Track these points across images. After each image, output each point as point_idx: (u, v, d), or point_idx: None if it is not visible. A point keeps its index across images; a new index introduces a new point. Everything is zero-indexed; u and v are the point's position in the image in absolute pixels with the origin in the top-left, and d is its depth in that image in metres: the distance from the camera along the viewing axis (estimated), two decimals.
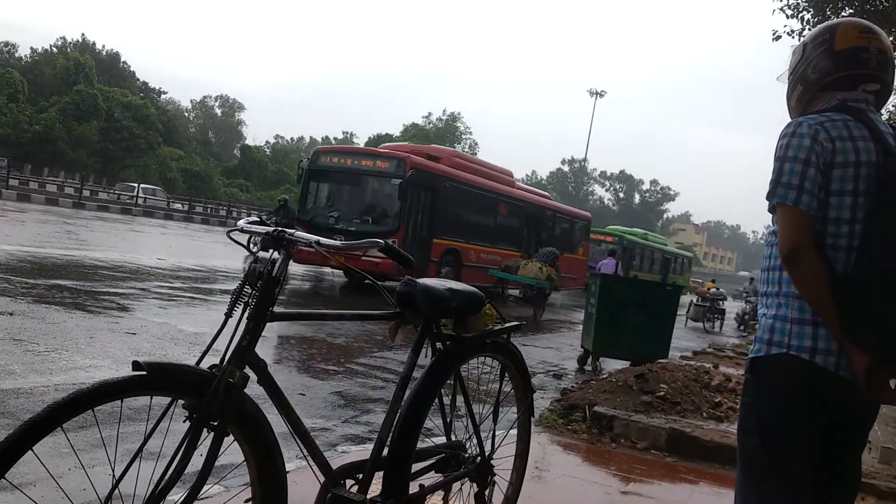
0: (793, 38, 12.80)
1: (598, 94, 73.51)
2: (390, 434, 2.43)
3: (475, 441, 2.83)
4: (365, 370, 7.20)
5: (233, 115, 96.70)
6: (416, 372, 2.53)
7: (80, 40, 71.42)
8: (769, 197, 2.02)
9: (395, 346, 8.50)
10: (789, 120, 2.12)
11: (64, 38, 72.11)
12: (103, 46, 72.68)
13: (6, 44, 69.50)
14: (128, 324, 7.56)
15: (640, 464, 5.03)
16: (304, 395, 5.81)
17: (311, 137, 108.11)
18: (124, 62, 73.80)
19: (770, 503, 2.00)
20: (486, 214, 20.00)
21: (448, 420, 2.72)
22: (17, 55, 69.05)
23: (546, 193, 27.18)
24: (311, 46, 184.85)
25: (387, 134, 78.55)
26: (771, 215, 2.06)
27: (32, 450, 1.63)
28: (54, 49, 70.26)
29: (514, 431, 3.14)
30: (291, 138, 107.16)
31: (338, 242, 2.07)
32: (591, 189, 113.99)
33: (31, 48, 71.09)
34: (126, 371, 1.82)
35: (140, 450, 1.80)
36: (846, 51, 2.08)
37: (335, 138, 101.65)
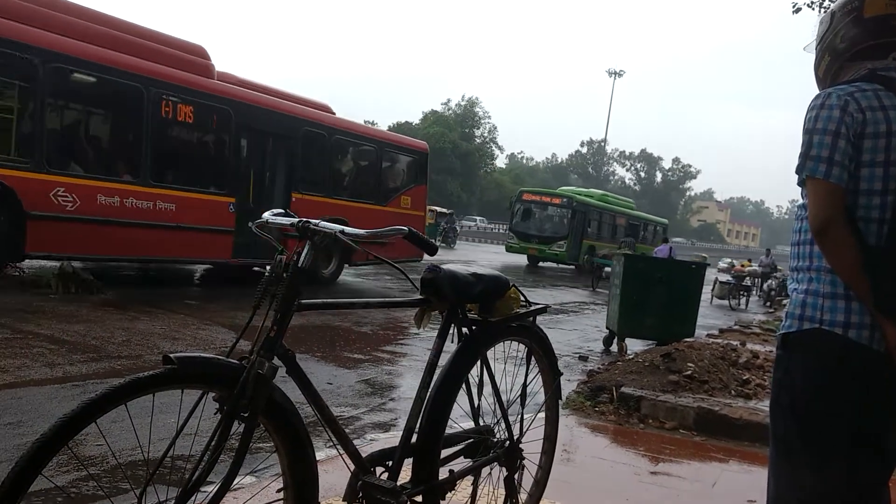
0: (813, 9, 12.58)
1: (617, 74, 73.03)
2: (418, 421, 2.44)
3: (503, 425, 2.83)
4: (391, 357, 7.23)
5: None
6: (442, 358, 2.53)
7: None
8: (798, 170, 1.98)
9: (420, 333, 8.53)
10: (817, 92, 2.08)
11: None
12: None
13: None
14: (156, 322, 7.65)
15: (669, 444, 5.01)
16: (331, 384, 5.84)
17: None
18: None
19: (804, 480, 1.98)
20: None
21: (475, 405, 2.72)
22: None
23: (325, 105, 14.47)
24: (327, 39, 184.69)
25: (406, 122, 78.36)
26: (800, 189, 2.03)
27: (68, 445, 1.66)
28: None
29: (541, 414, 3.13)
30: None
31: (361, 231, 2.07)
32: (611, 169, 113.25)
33: None
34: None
35: (172, 443, 1.82)
36: (875, 18, 2.03)
37: None
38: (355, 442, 2.35)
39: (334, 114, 14.42)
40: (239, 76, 12.37)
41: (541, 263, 29.86)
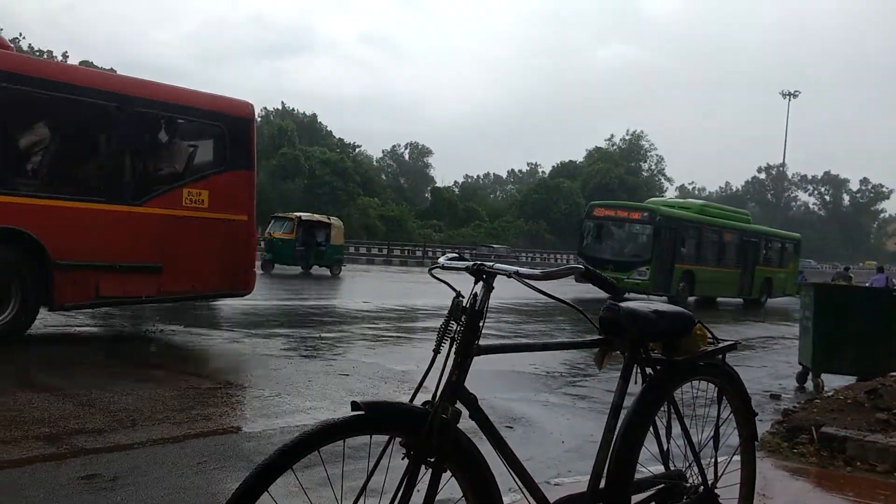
0: None
1: (791, 95, 69.25)
2: (605, 465, 2.36)
3: (696, 469, 2.68)
4: (569, 400, 7.10)
5: (421, 159, 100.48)
6: (626, 400, 2.45)
7: (280, 108, 77.55)
8: None
9: (597, 374, 8.34)
10: None
11: (266, 107, 78.45)
12: (299, 110, 78.33)
13: None
14: (340, 365, 7.97)
15: (884, 488, 4.56)
16: (511, 427, 5.81)
17: (494, 174, 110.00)
18: (320, 122, 79.18)
19: None
20: None
21: (665, 448, 2.60)
22: None
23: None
24: (486, 80, 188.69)
25: (570, 160, 78.16)
26: None
27: (268, 491, 1.73)
28: (259, 118, 76.73)
29: (736, 458, 2.95)
30: (478, 175, 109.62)
31: (537, 271, 2.06)
32: (793, 195, 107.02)
33: None
34: (345, 411, 1.89)
35: (364, 488, 1.87)
36: None
37: (520, 171, 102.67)
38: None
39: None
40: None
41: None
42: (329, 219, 27.24)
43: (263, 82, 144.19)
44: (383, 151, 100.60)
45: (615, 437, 2.39)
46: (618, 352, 2.53)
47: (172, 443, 4.70)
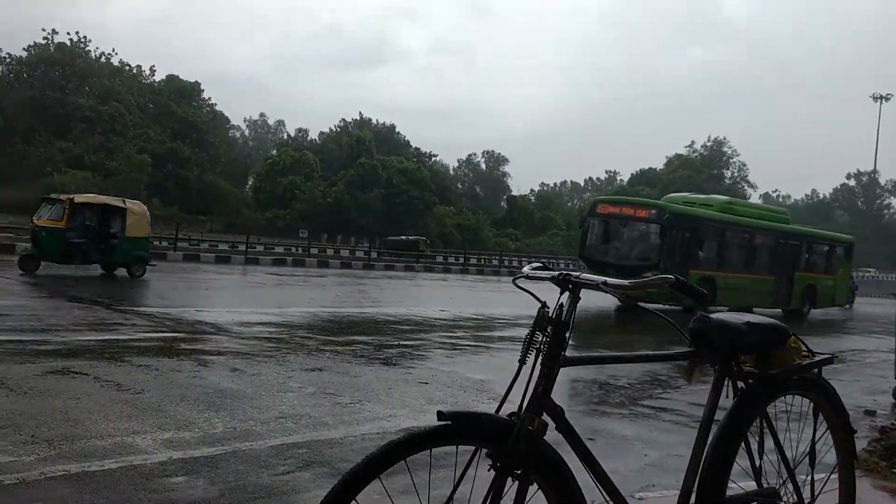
0: None
1: (883, 98, 66.47)
2: (696, 481, 2.30)
3: (790, 487, 2.58)
4: (651, 412, 6.95)
5: (497, 167, 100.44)
6: (717, 414, 2.38)
7: (359, 118, 78.78)
8: None
9: (681, 387, 8.15)
10: None
11: (344, 119, 79.83)
12: (378, 121, 79.42)
13: (300, 130, 78.82)
14: (419, 373, 8.00)
15: None
16: (592, 439, 5.72)
17: (572, 181, 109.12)
18: (398, 132, 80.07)
19: None
20: None
21: (758, 464, 2.51)
22: (308, 138, 77.91)
23: None
24: (562, 86, 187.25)
25: (650, 167, 76.94)
26: None
27: (356, 500, 1.75)
28: (338, 128, 78.11)
29: (833, 476, 2.82)
30: (555, 183, 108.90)
31: (625, 281, 2.02)
32: (885, 202, 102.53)
33: (319, 131, 79.77)
34: (425, 419, 1.90)
35: (450, 498, 1.86)
36: None
37: (598, 178, 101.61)
38: None
39: None
40: None
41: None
42: (125, 202, 19.17)
43: (342, 93, 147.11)
44: (459, 160, 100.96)
45: (706, 451, 2.32)
46: (708, 365, 2.45)
47: (256, 446, 4.80)
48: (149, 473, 4.12)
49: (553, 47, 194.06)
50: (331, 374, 7.55)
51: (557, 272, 2.10)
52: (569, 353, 2.05)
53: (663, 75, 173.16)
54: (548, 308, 2.02)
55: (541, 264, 2.26)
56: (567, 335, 2.00)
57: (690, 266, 19.89)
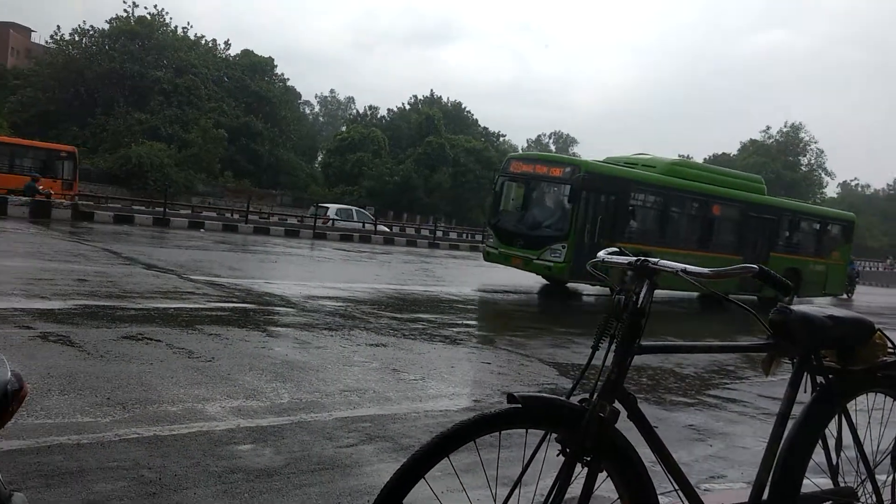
0: None
1: None
2: (769, 476, 2.24)
3: (869, 488, 2.49)
4: (718, 403, 6.82)
5: (566, 149, 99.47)
6: (795, 408, 2.31)
7: (429, 95, 78.83)
8: None
9: (749, 378, 7.98)
10: None
11: (415, 95, 80.00)
12: (447, 98, 79.33)
13: (370, 107, 79.42)
14: (483, 354, 8.01)
15: None
16: (656, 427, 5.63)
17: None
18: (467, 111, 79.83)
19: None
20: None
21: (835, 462, 2.43)
22: (378, 115, 78.44)
23: None
24: (634, 67, 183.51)
25: (724, 153, 75.10)
26: None
27: (425, 478, 1.75)
28: (408, 106, 78.37)
29: None
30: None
31: (705, 269, 1.96)
32: None
33: (388, 108, 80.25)
34: (489, 401, 1.89)
35: (518, 480, 1.86)
36: None
37: None
38: None
39: None
40: None
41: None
42: None
43: (413, 71, 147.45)
44: (527, 140, 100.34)
45: (781, 447, 2.26)
46: (786, 358, 2.38)
47: (321, 418, 4.88)
48: (217, 440, 4.23)
49: (626, 27, 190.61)
50: (395, 349, 7.62)
51: (635, 258, 2.06)
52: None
53: (740, 57, 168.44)
54: (622, 295, 1.98)
55: (617, 249, 2.21)
56: (643, 323, 1.96)
57: (615, 239, 15.35)
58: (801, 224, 21.22)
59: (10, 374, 1.60)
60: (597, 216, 16.03)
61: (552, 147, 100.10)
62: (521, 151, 17.82)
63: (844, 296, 27.84)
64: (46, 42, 62.24)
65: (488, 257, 17.07)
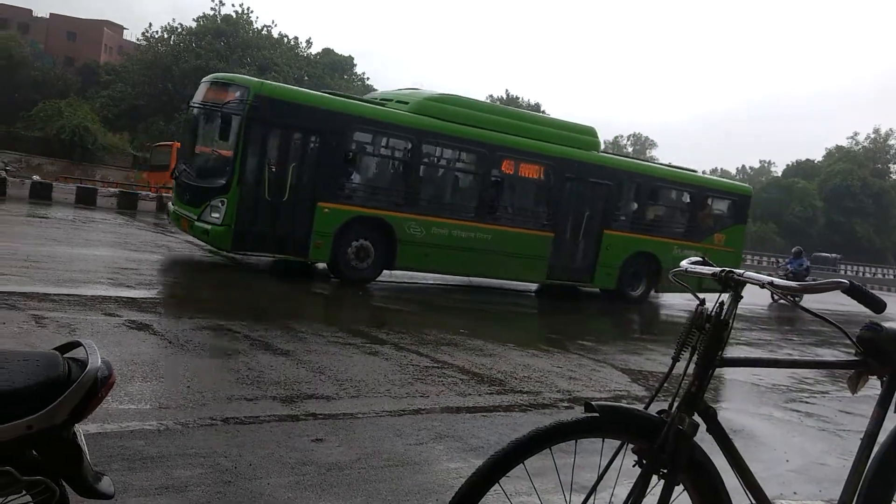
0: None
1: None
2: (854, 497, 2.16)
3: None
4: (796, 417, 6.60)
5: (644, 151, 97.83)
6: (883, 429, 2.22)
7: (505, 96, 78.66)
8: None
9: (829, 393, 7.72)
10: None
11: (491, 95, 79.90)
12: (524, 99, 79.03)
13: None
14: (557, 359, 7.96)
15: None
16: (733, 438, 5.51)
17: (722, 169, 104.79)
18: (543, 111, 79.41)
19: None
20: None
21: None
22: None
23: None
24: (716, 69, 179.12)
25: (808, 159, 72.75)
26: None
27: (499, 483, 1.76)
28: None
29: None
30: (704, 171, 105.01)
31: (794, 284, 1.91)
32: None
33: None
34: (561, 407, 1.88)
35: (593, 489, 1.84)
36: None
37: (750, 167, 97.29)
38: None
39: None
40: None
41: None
42: None
43: (487, 69, 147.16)
44: (605, 142, 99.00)
45: (868, 467, 2.18)
46: (875, 377, 2.29)
47: (392, 416, 4.93)
48: (290, 432, 4.32)
49: (704, 25, 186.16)
50: (465, 350, 7.64)
51: (720, 269, 2.01)
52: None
53: (829, 65, 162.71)
54: (706, 306, 1.95)
55: (700, 258, 2.16)
56: (726, 335, 1.91)
57: (318, 198, 11.71)
58: (662, 194, 16.09)
59: (100, 361, 1.68)
60: (284, 163, 11.62)
61: (629, 148, 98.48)
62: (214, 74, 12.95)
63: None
64: (138, 39, 64.46)
65: (173, 217, 13.01)
